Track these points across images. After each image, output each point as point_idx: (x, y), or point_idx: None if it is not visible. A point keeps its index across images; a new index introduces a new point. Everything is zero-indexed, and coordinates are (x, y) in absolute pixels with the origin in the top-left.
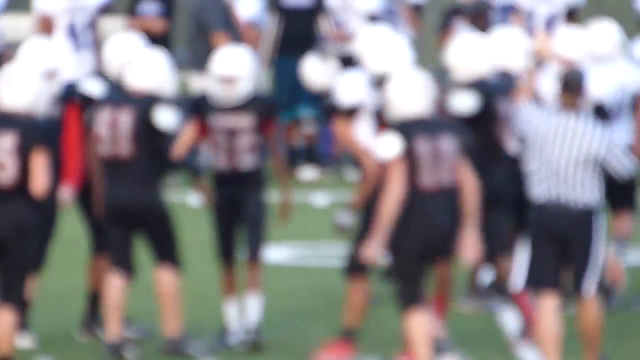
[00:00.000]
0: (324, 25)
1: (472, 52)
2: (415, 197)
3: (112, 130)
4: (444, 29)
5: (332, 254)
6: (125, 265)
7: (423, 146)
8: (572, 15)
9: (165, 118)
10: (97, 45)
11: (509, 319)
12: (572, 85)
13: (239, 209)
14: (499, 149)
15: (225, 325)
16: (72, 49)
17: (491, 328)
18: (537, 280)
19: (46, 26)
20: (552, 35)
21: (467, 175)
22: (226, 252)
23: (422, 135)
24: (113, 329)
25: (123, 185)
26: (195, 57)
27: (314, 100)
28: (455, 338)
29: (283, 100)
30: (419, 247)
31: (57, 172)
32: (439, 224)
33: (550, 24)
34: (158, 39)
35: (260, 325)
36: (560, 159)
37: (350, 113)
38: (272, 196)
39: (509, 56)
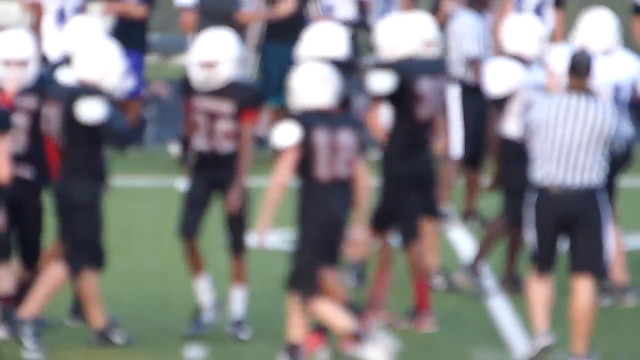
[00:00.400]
0: (312, 10)
1: (398, 32)
2: (311, 187)
3: (47, 122)
4: (434, 11)
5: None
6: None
7: (321, 138)
8: (560, 2)
9: (89, 111)
10: None
11: (499, 304)
12: (580, 68)
13: (216, 192)
14: (422, 130)
15: (198, 305)
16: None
17: (480, 313)
18: (539, 262)
19: (36, 11)
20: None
21: (361, 170)
22: (189, 229)
23: (322, 127)
24: (96, 316)
25: (60, 177)
26: None
27: None
28: (445, 322)
29: (270, 86)
30: (315, 236)
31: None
32: (333, 215)
33: (539, 10)
34: (135, 25)
35: (243, 318)
36: (571, 140)
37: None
38: (260, 182)
39: (523, 42)
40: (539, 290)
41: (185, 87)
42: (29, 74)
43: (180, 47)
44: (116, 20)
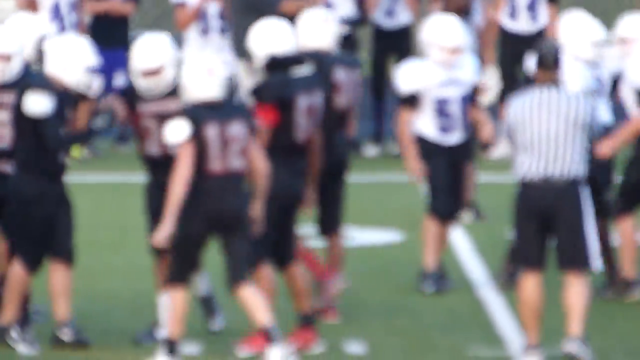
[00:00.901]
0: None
1: (313, 26)
2: (202, 180)
3: (3, 115)
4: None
5: (312, 234)
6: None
7: (212, 131)
8: None
9: (34, 104)
10: (82, 26)
11: (494, 300)
12: (546, 60)
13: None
14: (340, 120)
15: (157, 319)
16: (57, 30)
17: (475, 309)
18: (524, 258)
19: (31, 7)
20: (535, 17)
21: (257, 158)
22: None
23: (212, 120)
24: (8, 311)
25: (13, 171)
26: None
27: None
28: (440, 318)
29: None
30: (201, 229)
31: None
32: (225, 207)
33: (532, 6)
34: (119, 22)
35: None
36: (548, 132)
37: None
38: None
39: (577, 46)
40: (527, 296)
41: (129, 97)
42: (13, 68)
43: (175, 44)
44: (98, 18)
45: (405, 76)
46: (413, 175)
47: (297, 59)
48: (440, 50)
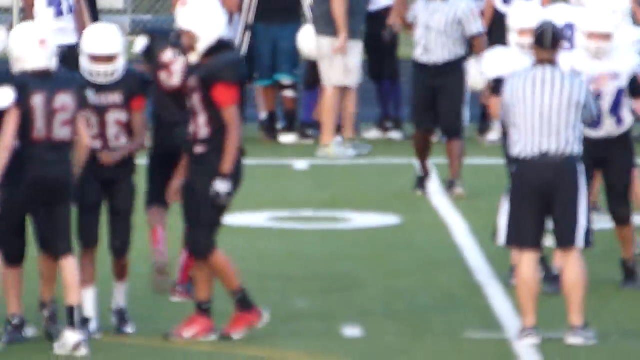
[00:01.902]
0: None
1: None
2: (27, 148)
3: None
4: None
5: (310, 217)
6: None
7: (38, 100)
8: None
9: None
10: (79, 13)
11: (492, 285)
12: (544, 40)
13: (108, 191)
14: (179, 103)
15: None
16: (53, 17)
17: (474, 294)
18: (519, 237)
19: None
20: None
21: (82, 130)
22: (88, 236)
23: (39, 89)
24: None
25: None
26: (321, 20)
27: (294, 66)
28: (438, 303)
29: (263, 66)
30: (25, 197)
31: None
32: (49, 175)
33: None
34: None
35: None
36: (542, 109)
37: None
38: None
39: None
40: (524, 277)
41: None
42: None
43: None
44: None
45: (492, 62)
46: None
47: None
48: (523, 36)
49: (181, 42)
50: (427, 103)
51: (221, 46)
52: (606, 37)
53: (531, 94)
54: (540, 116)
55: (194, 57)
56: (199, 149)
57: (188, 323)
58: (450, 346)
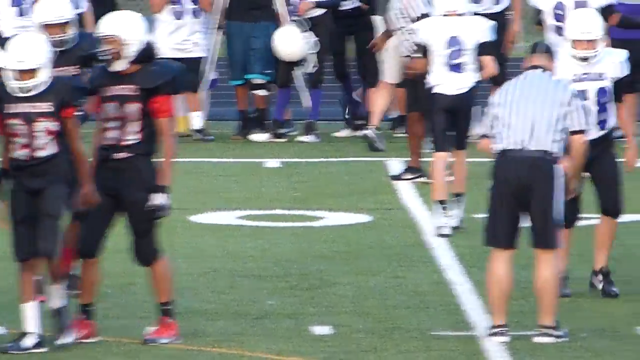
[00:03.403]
0: None
1: None
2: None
3: None
4: None
5: (282, 215)
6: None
7: None
8: None
9: None
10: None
11: (462, 283)
12: (539, 48)
13: (37, 201)
14: None
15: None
16: (16, 14)
17: (443, 292)
18: (495, 237)
19: None
20: None
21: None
22: (24, 249)
23: None
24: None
25: None
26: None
27: (266, 65)
28: (408, 301)
29: (235, 65)
30: None
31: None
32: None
33: None
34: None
35: (66, 311)
36: (526, 109)
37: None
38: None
39: None
40: (496, 276)
41: None
42: None
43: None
44: None
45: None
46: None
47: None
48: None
49: (103, 50)
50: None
51: (150, 53)
52: (593, 43)
53: (519, 95)
54: (523, 116)
55: (121, 64)
56: (122, 154)
57: (73, 326)
58: (420, 344)
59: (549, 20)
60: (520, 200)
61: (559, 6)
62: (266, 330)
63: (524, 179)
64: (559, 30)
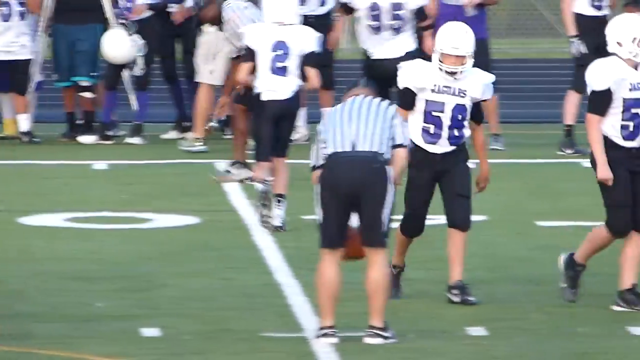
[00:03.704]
0: None
1: None
2: None
3: None
4: None
5: (110, 217)
6: None
7: None
8: None
9: None
10: None
11: (292, 284)
12: (361, 82)
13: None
14: None
15: None
16: None
17: (273, 293)
18: (327, 238)
19: None
20: None
21: None
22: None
23: None
24: None
25: None
26: None
27: (93, 68)
28: (235, 301)
29: (62, 67)
30: None
31: None
32: None
33: None
34: None
35: None
36: (350, 127)
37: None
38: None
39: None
40: (326, 277)
41: None
42: None
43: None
44: None
45: (597, 74)
46: (603, 180)
47: None
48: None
49: None
50: None
51: None
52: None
53: (342, 117)
54: (346, 120)
55: None
56: None
57: None
58: (249, 345)
59: (365, 21)
60: (350, 200)
61: (375, 7)
62: (95, 333)
63: (356, 179)
64: (375, 31)
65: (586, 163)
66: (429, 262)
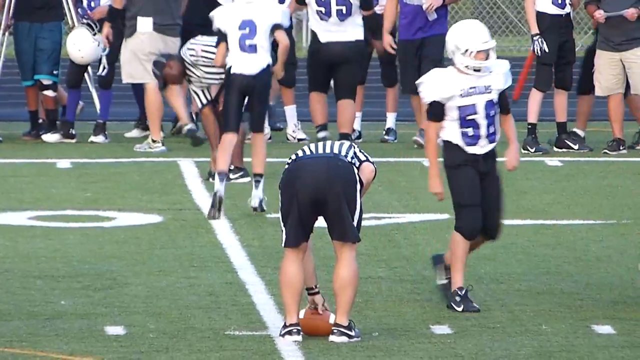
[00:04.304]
0: None
1: None
2: None
3: None
4: None
5: (73, 216)
6: None
7: None
8: None
9: None
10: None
11: (255, 282)
12: None
13: None
14: None
15: None
16: None
17: (235, 290)
18: (289, 238)
19: None
20: None
21: None
22: None
23: None
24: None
25: None
26: None
27: (54, 66)
28: (200, 299)
29: (25, 66)
30: None
31: None
32: None
33: None
34: None
35: None
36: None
37: None
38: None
39: None
40: (290, 276)
41: None
42: None
43: None
44: None
45: (427, 86)
46: (434, 193)
47: None
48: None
49: None
50: None
51: None
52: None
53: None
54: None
55: None
56: None
57: None
58: (213, 343)
59: (314, 6)
60: (315, 199)
61: None
62: (59, 331)
63: (321, 176)
64: (323, 16)
65: (550, 161)
66: (394, 261)
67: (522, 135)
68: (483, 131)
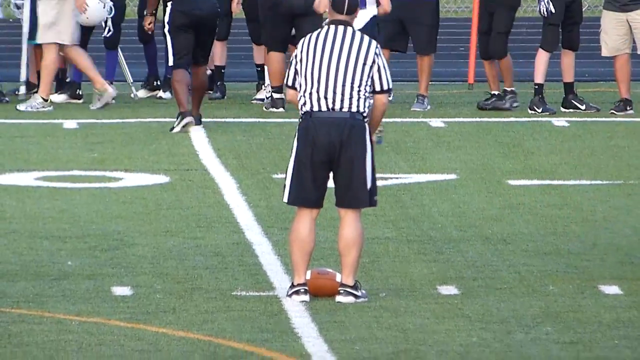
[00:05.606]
0: None
1: None
2: None
3: None
4: None
5: (80, 176)
6: None
7: None
8: None
9: None
10: None
11: (264, 243)
12: (340, 6)
13: None
14: None
15: None
16: None
17: (244, 252)
18: (302, 197)
19: None
20: None
21: None
22: None
23: None
24: None
25: None
26: None
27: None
28: (206, 260)
29: (31, 26)
30: None
31: None
32: None
33: None
34: None
35: None
36: (329, 67)
37: None
38: None
39: None
40: (301, 235)
41: None
42: None
43: None
44: None
45: None
46: None
47: None
48: None
49: None
50: None
51: None
52: None
53: (320, 50)
54: (327, 72)
55: None
56: None
57: None
58: (220, 304)
59: None
60: (328, 160)
61: None
62: (66, 291)
63: (334, 141)
64: None
65: (557, 122)
66: (400, 221)
67: (529, 96)
68: None
